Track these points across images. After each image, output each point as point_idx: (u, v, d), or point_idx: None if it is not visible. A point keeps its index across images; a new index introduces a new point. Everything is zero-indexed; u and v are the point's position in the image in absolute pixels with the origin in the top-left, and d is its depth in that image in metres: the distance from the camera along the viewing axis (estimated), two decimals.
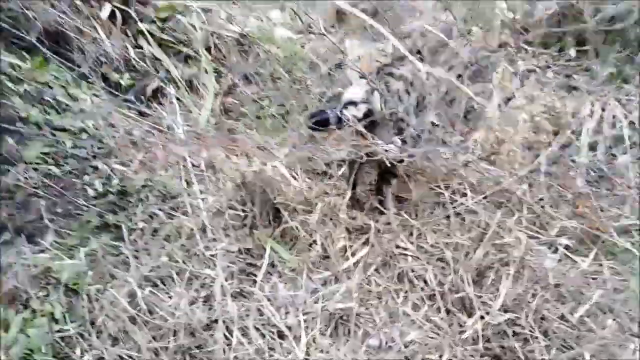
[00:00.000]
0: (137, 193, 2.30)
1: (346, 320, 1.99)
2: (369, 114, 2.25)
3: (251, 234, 2.25)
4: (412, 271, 2.16)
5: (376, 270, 2.18)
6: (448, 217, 2.37)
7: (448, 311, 2.03)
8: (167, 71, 3.28)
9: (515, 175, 2.55)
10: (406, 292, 2.11)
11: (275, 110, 3.41)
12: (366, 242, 2.26)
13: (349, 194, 2.42)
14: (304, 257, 2.16)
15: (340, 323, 1.99)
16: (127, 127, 2.59)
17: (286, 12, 4.65)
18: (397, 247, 2.24)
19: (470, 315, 1.98)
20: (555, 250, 2.26)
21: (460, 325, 1.96)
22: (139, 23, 3.31)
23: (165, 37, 3.46)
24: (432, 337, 1.93)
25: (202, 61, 3.38)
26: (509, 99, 3.22)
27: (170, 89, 3.04)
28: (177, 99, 3.11)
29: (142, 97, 3.10)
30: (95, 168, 2.33)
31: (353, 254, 2.20)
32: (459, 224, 2.32)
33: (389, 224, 2.36)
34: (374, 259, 2.19)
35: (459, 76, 3.60)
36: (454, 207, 2.38)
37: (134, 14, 3.34)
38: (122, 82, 3.07)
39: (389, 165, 2.27)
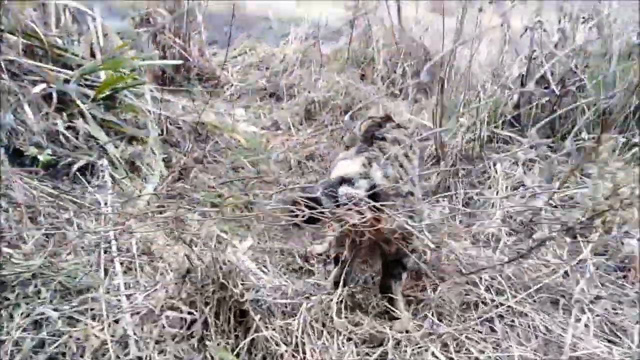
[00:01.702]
0: (23, 286, 1.47)
1: None
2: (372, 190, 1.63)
3: (201, 346, 1.42)
4: None
5: None
6: (489, 320, 1.66)
7: None
8: (103, 149, 2.62)
9: (560, 268, 1.93)
10: None
11: (236, 200, 2.74)
12: (384, 357, 1.48)
13: (338, 292, 1.69)
14: None
15: None
16: (28, 200, 1.83)
17: (249, 111, 4.28)
18: None
19: None
20: None
21: None
22: (77, 101, 2.73)
23: (108, 118, 2.87)
24: None
25: (149, 140, 2.77)
26: (515, 189, 2.75)
27: (104, 162, 2.35)
28: (112, 178, 2.41)
29: (66, 176, 2.40)
30: None
31: None
32: (507, 329, 1.60)
33: (407, 332, 1.61)
34: None
35: (452, 165, 3.17)
36: (497, 307, 1.69)
37: (73, 95, 2.77)
38: (40, 157, 2.36)
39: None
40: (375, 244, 1.71)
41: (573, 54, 3.09)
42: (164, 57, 4.18)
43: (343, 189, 1.57)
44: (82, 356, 1.35)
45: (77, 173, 2.36)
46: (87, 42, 3.34)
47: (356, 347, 1.50)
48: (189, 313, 1.49)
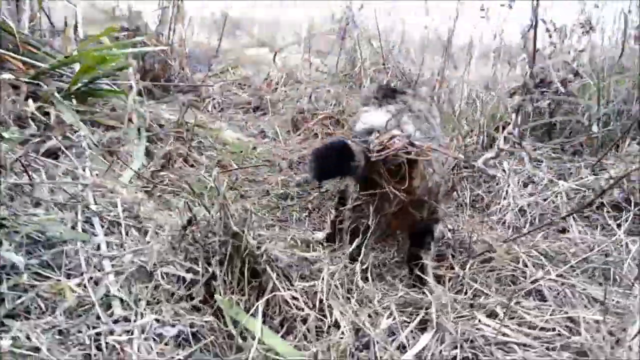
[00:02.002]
0: None
1: None
2: None
3: (207, 307, 1.14)
4: None
5: None
6: (537, 291, 1.45)
7: None
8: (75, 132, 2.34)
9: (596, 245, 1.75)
10: None
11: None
12: (423, 325, 1.22)
13: (360, 258, 1.45)
14: (319, 346, 1.06)
15: None
16: None
17: (233, 122, 4.06)
18: (478, 329, 1.22)
19: None
20: None
21: None
22: (55, 93, 2.45)
23: (83, 108, 2.61)
24: None
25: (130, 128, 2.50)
26: (525, 185, 2.60)
27: (81, 132, 2.07)
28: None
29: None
30: None
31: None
32: (561, 297, 1.39)
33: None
34: (447, 351, 1.13)
35: (454, 167, 3.01)
36: (538, 281, 1.48)
37: (45, 87, 2.51)
38: (5, 134, 2.07)
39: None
40: (404, 209, 1.49)
41: (575, 55, 3.08)
42: (144, 67, 3.99)
43: (373, 136, 1.37)
44: (52, 315, 1.04)
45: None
46: (64, 38, 3.12)
47: (395, 311, 1.23)
48: (189, 271, 1.21)
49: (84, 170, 1.70)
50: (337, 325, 1.14)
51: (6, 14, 2.91)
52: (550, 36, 3.34)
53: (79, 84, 2.63)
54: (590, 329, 1.21)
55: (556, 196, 2.26)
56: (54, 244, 1.22)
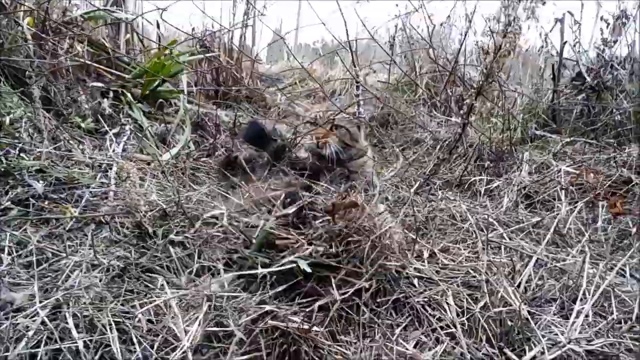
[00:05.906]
0: None
1: None
2: None
3: None
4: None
5: None
6: None
7: None
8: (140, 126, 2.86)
9: None
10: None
11: None
12: None
13: None
14: None
15: None
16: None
17: None
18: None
19: None
20: None
21: None
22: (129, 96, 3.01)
23: (150, 109, 3.16)
24: None
25: (179, 111, 2.98)
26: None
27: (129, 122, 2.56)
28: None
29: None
30: None
31: None
32: None
33: None
34: None
35: (477, 159, 3.05)
36: None
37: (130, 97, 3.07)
38: (82, 124, 2.64)
39: None
40: None
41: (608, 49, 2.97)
42: (217, 79, 4.54)
43: None
44: None
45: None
46: (145, 54, 3.75)
47: None
48: None
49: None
50: None
51: (106, 37, 3.60)
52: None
53: (148, 90, 3.18)
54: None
55: None
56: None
